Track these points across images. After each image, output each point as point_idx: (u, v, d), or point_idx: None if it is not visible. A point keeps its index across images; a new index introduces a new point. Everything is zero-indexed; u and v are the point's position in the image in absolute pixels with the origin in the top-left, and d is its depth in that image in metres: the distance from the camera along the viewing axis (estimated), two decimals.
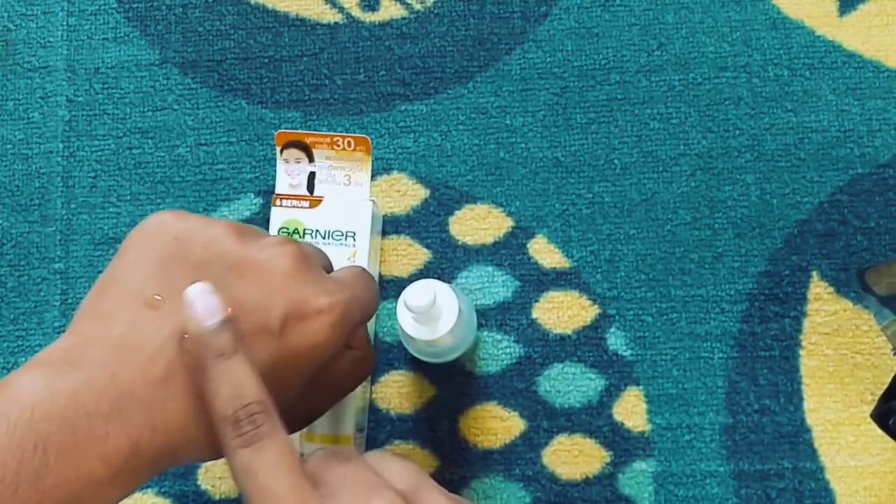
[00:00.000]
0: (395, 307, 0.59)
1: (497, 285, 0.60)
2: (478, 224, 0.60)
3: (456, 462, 0.58)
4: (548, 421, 0.58)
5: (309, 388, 0.42)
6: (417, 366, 0.59)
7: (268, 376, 0.38)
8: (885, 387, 0.53)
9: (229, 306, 0.38)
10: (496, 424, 0.58)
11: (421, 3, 0.63)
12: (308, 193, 0.58)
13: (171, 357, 0.37)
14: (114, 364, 0.36)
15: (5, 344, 0.61)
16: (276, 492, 0.34)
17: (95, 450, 0.35)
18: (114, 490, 0.36)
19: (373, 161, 0.61)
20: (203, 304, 0.36)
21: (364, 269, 0.45)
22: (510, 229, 0.60)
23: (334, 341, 0.40)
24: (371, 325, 0.59)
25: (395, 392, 0.59)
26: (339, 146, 0.58)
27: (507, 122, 0.62)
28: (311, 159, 0.58)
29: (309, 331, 0.39)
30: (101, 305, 0.38)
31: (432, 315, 0.49)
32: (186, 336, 0.36)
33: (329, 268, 0.44)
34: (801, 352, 0.58)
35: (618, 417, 0.58)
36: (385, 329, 0.60)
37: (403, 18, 0.63)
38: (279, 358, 0.39)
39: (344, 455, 0.38)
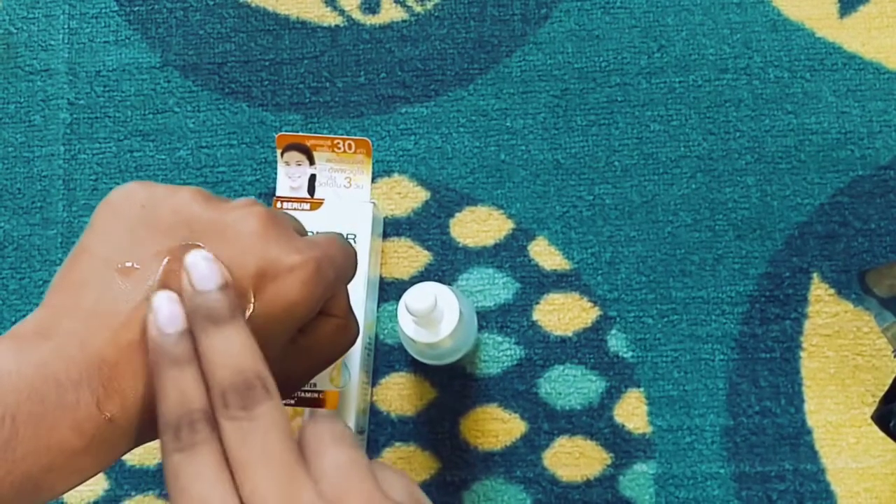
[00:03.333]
0: (396, 309, 0.59)
1: (498, 287, 0.60)
2: (478, 226, 0.61)
3: (457, 464, 0.58)
4: (548, 423, 0.58)
5: (288, 354, 0.41)
6: (418, 368, 0.59)
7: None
8: (886, 388, 0.53)
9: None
10: (497, 426, 0.58)
11: (421, 5, 0.63)
12: (309, 196, 0.58)
13: (143, 323, 0.36)
14: (85, 332, 0.36)
15: None
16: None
17: (66, 418, 0.34)
18: (89, 459, 0.35)
19: (373, 163, 0.61)
20: (204, 268, 0.36)
21: (340, 234, 0.44)
22: (511, 231, 0.60)
23: (309, 299, 0.40)
24: (372, 326, 0.59)
25: (396, 394, 0.59)
26: (339, 149, 0.58)
27: (508, 124, 0.62)
28: (311, 162, 0.58)
29: (282, 289, 0.39)
30: (72, 276, 0.38)
31: (433, 318, 0.49)
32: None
33: (302, 231, 0.44)
34: (802, 353, 0.58)
35: (618, 419, 0.58)
36: (386, 331, 0.60)
37: (404, 21, 0.63)
38: (254, 319, 0.38)
39: (340, 434, 0.36)
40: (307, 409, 0.56)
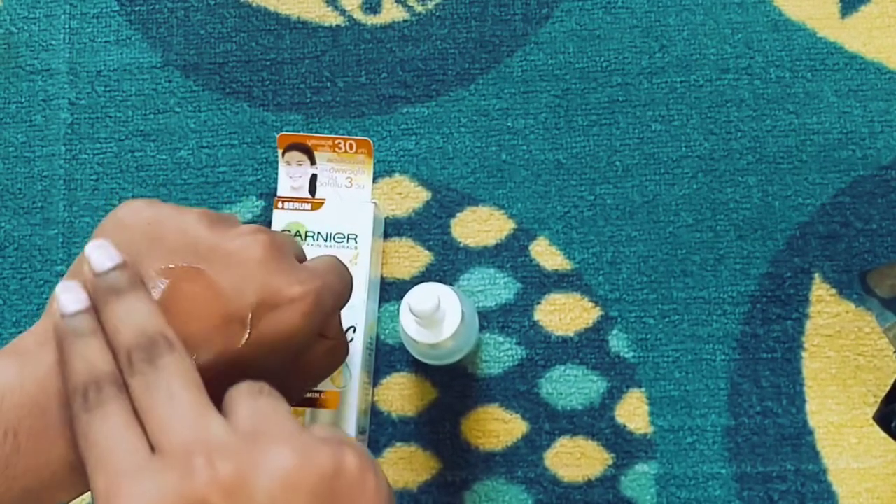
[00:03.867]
0: (397, 309, 0.59)
1: (499, 287, 0.60)
2: (479, 226, 0.60)
3: (458, 464, 0.58)
4: (550, 423, 0.58)
5: (282, 377, 0.41)
6: (419, 368, 0.59)
7: (240, 364, 0.38)
8: (888, 389, 0.53)
9: (202, 294, 0.37)
10: (498, 426, 0.58)
11: (422, 5, 0.63)
12: (310, 196, 0.58)
13: None
14: None
15: None
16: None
17: (67, 433, 0.34)
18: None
19: (374, 163, 0.61)
20: (100, 254, 0.36)
21: (337, 259, 0.44)
22: (512, 231, 0.60)
23: (307, 330, 0.40)
24: (373, 327, 0.59)
25: (397, 394, 0.59)
26: (340, 149, 0.58)
27: (509, 124, 0.62)
28: (312, 162, 0.58)
29: (281, 319, 0.39)
30: None
31: (436, 319, 0.49)
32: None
33: (302, 257, 0.44)
34: (804, 354, 0.58)
35: (620, 419, 0.58)
36: (387, 331, 0.60)
37: (405, 21, 0.63)
38: (253, 348, 0.38)
39: (258, 387, 0.36)
40: (308, 410, 0.56)
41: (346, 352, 0.47)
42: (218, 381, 0.37)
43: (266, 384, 0.36)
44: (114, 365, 0.35)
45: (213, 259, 0.39)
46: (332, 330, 0.44)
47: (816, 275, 0.59)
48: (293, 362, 0.42)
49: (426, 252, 0.60)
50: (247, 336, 0.38)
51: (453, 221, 0.61)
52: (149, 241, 0.39)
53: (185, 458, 0.31)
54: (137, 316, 0.35)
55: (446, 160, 0.61)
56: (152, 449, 0.32)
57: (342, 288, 0.44)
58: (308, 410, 0.55)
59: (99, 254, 0.36)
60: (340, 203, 0.58)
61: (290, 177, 0.59)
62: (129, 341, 0.34)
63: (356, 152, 0.58)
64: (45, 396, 0.35)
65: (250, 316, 0.38)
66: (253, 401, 0.35)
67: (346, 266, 0.45)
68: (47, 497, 0.35)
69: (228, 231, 0.40)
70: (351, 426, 0.55)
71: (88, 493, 0.58)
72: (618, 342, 0.59)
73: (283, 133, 0.59)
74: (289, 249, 0.42)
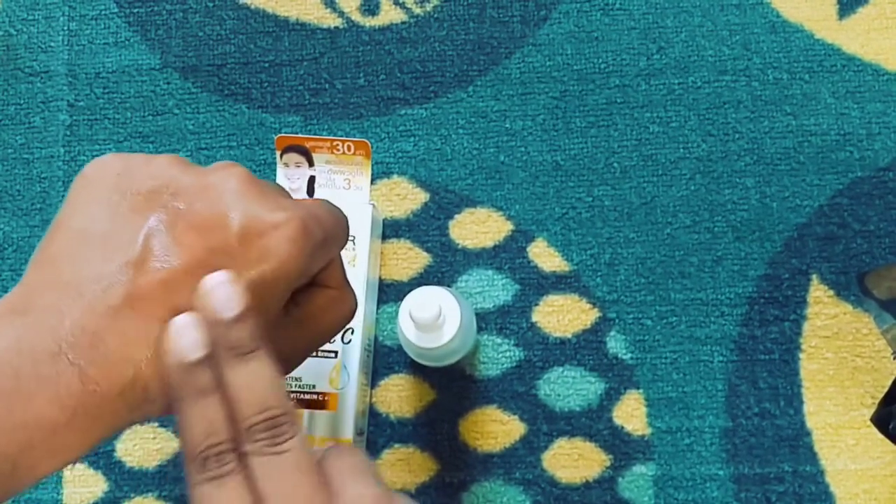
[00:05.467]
0: (395, 311, 0.59)
1: (497, 289, 0.60)
2: (478, 228, 0.61)
3: (456, 466, 0.58)
4: (548, 424, 0.58)
5: (283, 326, 0.40)
6: (417, 369, 0.59)
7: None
8: (886, 390, 0.53)
9: (185, 231, 0.36)
10: (496, 428, 0.58)
11: (421, 7, 0.63)
12: (308, 197, 0.58)
13: (122, 290, 0.35)
14: (63, 303, 0.35)
15: None
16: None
17: (44, 391, 0.33)
18: (73, 435, 0.34)
19: (373, 165, 0.61)
20: (226, 294, 0.34)
21: (327, 200, 0.43)
22: (510, 233, 0.60)
23: (298, 258, 0.38)
24: (371, 328, 0.59)
25: (395, 396, 0.59)
26: (338, 150, 0.58)
27: (507, 125, 0.62)
28: (311, 163, 0.58)
29: (269, 247, 0.37)
30: (48, 251, 0.37)
31: (436, 325, 0.49)
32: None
33: (287, 195, 0.43)
34: (801, 355, 0.58)
35: (618, 421, 0.58)
36: (385, 333, 0.60)
37: (403, 23, 0.63)
38: (249, 291, 0.37)
39: (363, 467, 0.36)
40: (306, 412, 0.56)
41: (353, 304, 0.44)
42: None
43: (363, 457, 0.36)
44: (232, 431, 0.34)
45: (191, 196, 0.37)
46: (333, 278, 0.43)
47: (814, 276, 0.59)
48: (294, 312, 0.41)
49: (424, 254, 0.61)
50: (239, 269, 0.37)
51: (451, 223, 0.61)
52: (120, 192, 0.37)
53: None
54: (262, 386, 0.35)
55: (444, 162, 0.61)
56: None
57: (331, 221, 0.41)
58: (306, 412, 0.56)
59: (223, 295, 0.35)
60: (339, 205, 0.58)
61: (289, 178, 0.59)
62: (251, 414, 0.34)
63: (354, 154, 0.58)
64: (17, 355, 0.33)
65: (237, 247, 0.37)
66: (361, 487, 0.35)
67: (339, 208, 0.43)
68: (27, 462, 0.34)
69: (201, 169, 0.39)
70: (349, 428, 0.55)
71: (90, 496, 0.58)
72: (616, 343, 0.59)
73: (282, 135, 0.59)
74: (268, 184, 0.41)
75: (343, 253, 0.57)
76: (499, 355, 0.59)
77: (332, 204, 0.43)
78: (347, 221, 0.43)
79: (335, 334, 0.44)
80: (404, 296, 0.50)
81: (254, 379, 0.35)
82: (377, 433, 0.59)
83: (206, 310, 0.35)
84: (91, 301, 0.35)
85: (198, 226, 0.37)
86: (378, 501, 0.35)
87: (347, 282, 0.44)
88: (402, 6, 0.64)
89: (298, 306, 0.41)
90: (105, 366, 0.34)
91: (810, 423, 0.57)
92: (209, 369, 0.34)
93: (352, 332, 0.56)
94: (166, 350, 0.34)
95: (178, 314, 0.35)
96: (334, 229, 0.42)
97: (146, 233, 0.36)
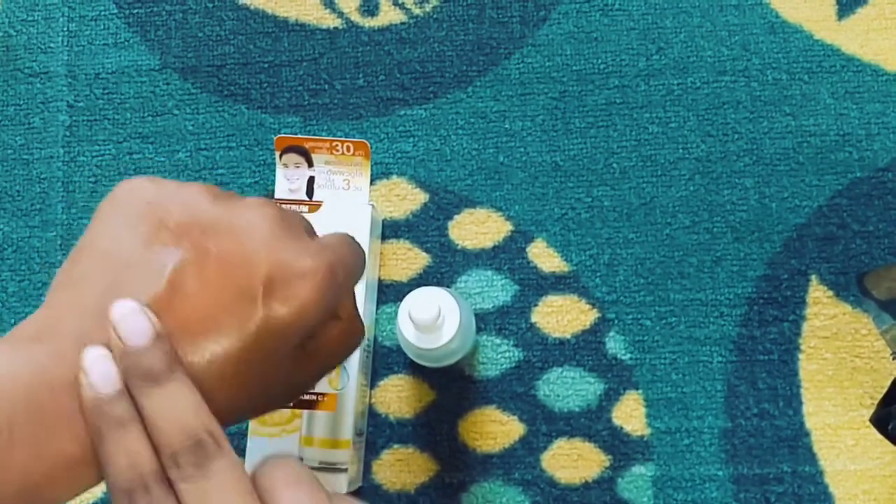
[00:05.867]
0: (395, 311, 0.59)
1: (496, 289, 0.60)
2: (477, 228, 0.61)
3: (455, 466, 0.58)
4: (547, 425, 0.58)
5: (296, 359, 0.40)
6: (416, 370, 0.59)
7: (252, 345, 0.36)
8: (885, 391, 0.53)
9: (211, 271, 0.36)
10: (495, 428, 0.58)
11: (420, 7, 0.63)
12: (307, 198, 0.58)
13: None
14: (83, 332, 0.34)
15: None
16: None
17: (64, 426, 0.33)
18: (89, 468, 0.34)
19: (372, 166, 0.61)
20: (133, 325, 0.34)
21: (350, 235, 0.43)
22: (509, 233, 0.60)
23: (320, 306, 0.38)
24: (370, 329, 0.59)
25: (395, 396, 0.59)
26: (338, 151, 0.58)
27: (507, 126, 0.62)
28: (310, 164, 0.58)
29: (293, 294, 0.37)
30: (72, 273, 0.37)
31: (436, 326, 0.49)
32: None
33: (312, 232, 0.42)
34: (801, 356, 0.58)
35: (617, 421, 0.58)
36: (385, 333, 0.60)
37: (403, 23, 0.63)
38: (263, 324, 0.37)
39: (295, 475, 0.35)
40: (305, 412, 0.56)
41: (361, 333, 0.44)
42: (232, 374, 0.36)
43: (302, 466, 0.35)
44: (157, 461, 0.33)
45: (220, 235, 0.37)
46: (345, 310, 0.43)
47: (813, 277, 0.59)
48: (306, 344, 0.40)
49: (424, 254, 0.61)
50: (260, 316, 0.36)
51: (451, 223, 0.61)
52: (150, 221, 0.37)
53: None
54: (180, 410, 0.33)
55: (444, 162, 0.62)
56: None
57: (355, 262, 0.41)
58: (305, 413, 0.56)
59: (131, 325, 0.34)
60: (338, 205, 0.58)
61: (288, 179, 0.59)
62: (173, 442, 0.33)
63: (354, 154, 0.58)
64: (40, 389, 0.33)
65: (261, 291, 0.36)
66: (296, 494, 0.34)
67: (358, 242, 0.43)
68: (47, 493, 0.34)
69: (234, 204, 0.38)
70: (348, 428, 0.55)
71: (90, 496, 0.58)
72: (615, 344, 0.59)
73: (281, 135, 0.59)
74: (297, 223, 0.40)
75: None
76: (498, 356, 0.59)
77: (353, 240, 0.43)
78: (365, 256, 0.43)
79: (343, 361, 0.45)
80: (404, 296, 0.50)
81: (171, 404, 0.33)
82: (376, 434, 0.59)
83: (115, 339, 0.34)
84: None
85: (225, 268, 0.37)
86: None
87: (357, 311, 0.44)
88: (402, 7, 0.64)
89: (311, 339, 0.41)
90: None
91: (809, 423, 0.57)
92: (125, 401, 0.34)
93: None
94: (80, 385, 0.34)
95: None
96: (356, 270, 0.42)
97: (173, 268, 0.36)
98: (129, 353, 0.34)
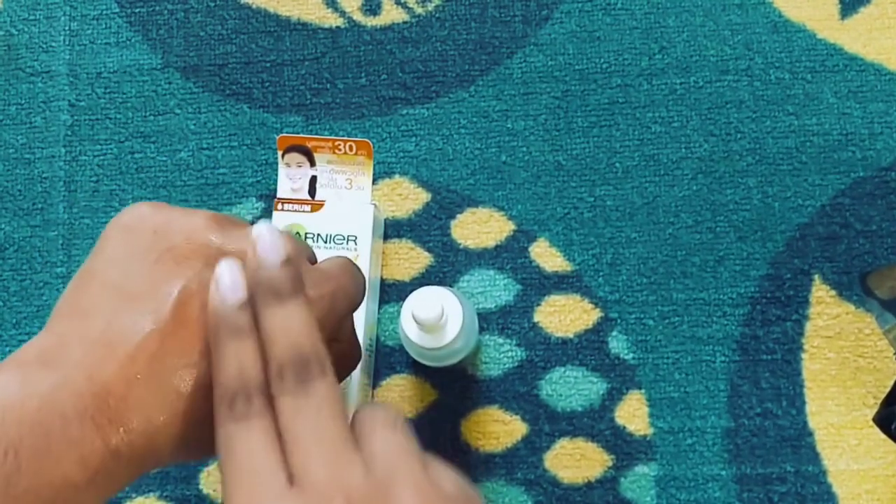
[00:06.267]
0: (397, 311, 0.59)
1: (499, 289, 0.60)
2: (479, 228, 0.61)
3: (457, 466, 0.58)
4: (549, 425, 0.58)
5: None
6: (419, 369, 0.59)
7: None
8: (888, 390, 0.53)
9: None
10: (498, 428, 0.58)
11: (422, 7, 0.63)
12: (309, 197, 0.58)
13: (152, 353, 0.36)
14: (91, 363, 0.35)
15: (8, 348, 0.61)
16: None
17: (71, 453, 0.34)
18: (92, 493, 0.35)
19: (374, 165, 0.61)
20: (271, 243, 0.35)
21: (349, 260, 0.44)
22: (512, 233, 0.60)
23: (322, 332, 0.39)
24: (372, 328, 0.59)
25: (397, 395, 0.59)
26: (340, 150, 0.58)
27: (509, 125, 0.62)
28: (312, 163, 0.58)
29: None
30: (78, 302, 0.37)
31: (439, 326, 0.49)
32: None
33: (313, 258, 0.43)
34: (804, 355, 0.58)
35: (620, 421, 0.58)
36: (387, 333, 0.60)
37: (405, 23, 0.63)
38: None
39: (393, 419, 0.36)
40: None
41: (358, 356, 0.46)
42: None
43: (394, 412, 0.36)
44: (264, 374, 0.35)
45: None
46: (344, 334, 0.44)
47: (816, 276, 0.59)
48: None
49: (426, 254, 0.60)
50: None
51: (453, 223, 0.61)
52: (156, 251, 0.38)
53: (324, 499, 0.32)
54: (296, 328, 0.35)
55: (446, 162, 0.61)
56: (291, 477, 0.33)
57: (355, 290, 0.43)
58: None
59: (270, 242, 0.36)
60: (340, 204, 0.58)
61: (290, 178, 0.59)
62: (283, 355, 0.34)
63: (356, 154, 0.58)
64: (48, 415, 0.34)
65: None
66: (389, 435, 0.35)
67: (358, 267, 0.44)
68: None
69: (238, 234, 0.39)
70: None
71: None
72: (618, 344, 0.59)
73: (283, 135, 0.59)
74: (301, 252, 0.41)
75: (345, 253, 0.57)
76: (500, 355, 0.59)
77: (353, 266, 0.44)
78: (365, 281, 0.44)
79: (341, 381, 0.45)
80: (406, 296, 0.50)
81: (288, 321, 0.35)
82: None
83: (252, 255, 0.36)
84: (119, 365, 0.35)
85: None
86: (403, 451, 0.35)
87: (355, 334, 0.45)
88: (404, 6, 0.64)
89: None
90: (126, 430, 0.35)
91: (812, 423, 0.57)
92: (247, 313, 0.35)
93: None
94: (210, 291, 0.35)
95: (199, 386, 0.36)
96: (356, 297, 0.43)
97: (177, 299, 0.37)
98: (261, 269, 0.35)
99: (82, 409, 0.34)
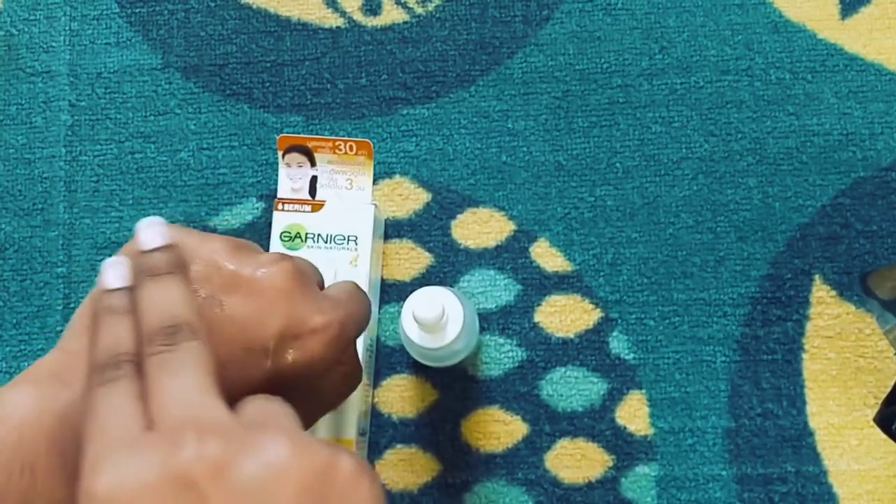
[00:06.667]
0: (397, 311, 0.59)
1: (499, 289, 0.60)
2: (480, 228, 0.60)
3: (458, 466, 0.58)
4: (550, 425, 0.58)
5: (297, 405, 0.41)
6: (419, 370, 0.59)
7: (259, 392, 0.38)
8: (888, 391, 0.53)
9: (224, 324, 0.38)
10: (498, 428, 0.58)
11: (423, 7, 0.63)
12: (310, 198, 0.58)
13: None
14: None
15: (8, 348, 0.61)
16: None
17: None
18: None
19: (375, 165, 0.61)
20: (150, 231, 0.37)
21: (357, 285, 0.45)
22: (512, 233, 0.60)
23: (328, 359, 0.40)
24: (372, 328, 0.59)
25: (398, 396, 0.59)
26: (340, 150, 0.58)
27: (509, 125, 0.62)
28: (312, 163, 0.58)
29: (303, 349, 0.39)
30: (89, 321, 0.38)
31: (439, 326, 0.49)
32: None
33: (322, 283, 0.44)
34: (804, 355, 0.58)
35: (620, 421, 0.58)
36: (387, 333, 0.60)
37: (405, 23, 0.63)
38: (272, 375, 0.39)
39: (269, 396, 0.36)
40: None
41: (359, 377, 0.46)
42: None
43: (279, 398, 0.36)
44: (137, 346, 0.35)
45: (237, 289, 0.39)
46: (349, 356, 0.44)
47: (817, 276, 0.59)
48: (309, 390, 0.42)
49: (426, 254, 0.60)
50: (268, 365, 0.38)
51: (454, 223, 0.61)
52: None
53: (176, 434, 0.30)
54: (169, 300, 0.35)
55: (446, 162, 0.61)
56: (149, 425, 0.32)
57: (363, 316, 0.44)
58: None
59: (149, 231, 0.37)
60: (341, 205, 0.58)
61: (291, 178, 0.59)
62: (154, 324, 0.34)
63: (356, 154, 0.58)
64: (64, 432, 0.34)
65: (272, 346, 0.39)
66: (263, 401, 0.34)
67: (364, 292, 0.45)
68: None
69: (252, 259, 0.40)
70: (351, 428, 0.55)
71: None
72: (618, 344, 0.59)
73: (284, 135, 0.59)
74: (311, 278, 0.42)
75: (345, 253, 0.57)
76: (501, 355, 0.59)
77: (360, 291, 0.44)
78: (371, 306, 0.45)
79: (343, 401, 0.46)
80: (406, 296, 0.50)
81: (162, 294, 0.35)
82: (379, 433, 0.59)
83: (134, 248, 0.37)
84: None
85: (239, 325, 0.38)
86: (276, 412, 0.34)
87: (357, 356, 0.46)
88: (404, 6, 0.64)
89: (315, 385, 0.42)
90: None
91: (813, 423, 0.57)
92: (125, 295, 0.36)
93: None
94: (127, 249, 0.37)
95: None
96: (363, 323, 0.44)
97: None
98: (140, 255, 0.36)
99: None
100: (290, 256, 0.42)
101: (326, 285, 0.44)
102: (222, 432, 0.31)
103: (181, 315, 0.35)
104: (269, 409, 0.34)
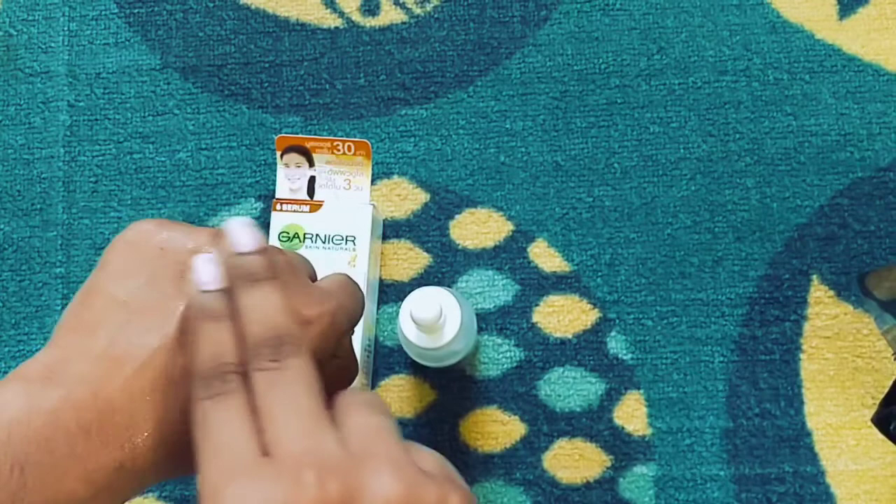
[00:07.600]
0: (396, 311, 0.59)
1: (497, 289, 0.60)
2: (478, 228, 0.61)
3: (456, 466, 0.58)
4: (548, 425, 0.58)
5: None
6: (418, 370, 0.59)
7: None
8: (886, 391, 0.53)
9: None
10: (497, 428, 0.58)
11: (421, 7, 0.63)
12: (308, 198, 0.58)
13: (158, 369, 0.36)
14: (96, 378, 0.35)
15: (6, 348, 0.61)
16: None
17: (76, 469, 0.34)
18: None
19: (373, 165, 0.61)
20: (244, 233, 0.36)
21: (349, 277, 0.44)
22: (510, 233, 0.60)
23: (323, 350, 0.39)
24: (371, 329, 0.59)
25: (396, 396, 0.59)
26: (339, 151, 0.58)
27: (508, 126, 0.62)
28: (311, 164, 0.58)
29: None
30: (84, 317, 0.37)
31: (437, 326, 0.49)
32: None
33: (314, 275, 0.44)
34: (802, 355, 0.58)
35: (618, 421, 0.58)
36: (385, 333, 0.60)
37: (403, 23, 0.63)
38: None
39: (371, 401, 0.36)
40: None
41: (355, 371, 0.46)
42: None
43: (377, 397, 0.36)
44: (240, 355, 0.35)
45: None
46: (343, 349, 0.44)
47: (814, 277, 0.59)
48: None
49: (425, 254, 0.61)
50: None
51: (452, 223, 0.61)
52: (162, 268, 0.38)
53: (297, 470, 0.31)
54: (270, 308, 0.35)
55: (445, 162, 0.61)
56: (265, 449, 0.33)
57: (355, 307, 0.43)
58: None
59: (243, 232, 0.36)
60: (339, 205, 0.58)
61: (289, 179, 0.59)
62: (259, 333, 0.35)
63: (355, 154, 0.58)
64: (54, 431, 0.34)
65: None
66: (367, 414, 0.35)
67: (356, 284, 0.44)
68: None
69: None
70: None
71: None
72: (616, 344, 0.59)
73: (282, 135, 0.59)
74: (302, 269, 0.41)
75: (343, 253, 0.57)
76: (499, 356, 0.59)
77: (352, 283, 0.44)
78: (363, 298, 0.45)
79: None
80: (405, 296, 0.50)
81: (263, 302, 0.35)
82: None
83: (227, 246, 0.36)
84: (124, 381, 0.36)
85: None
86: (381, 429, 0.34)
87: (353, 350, 0.46)
88: (403, 6, 0.64)
89: None
90: (131, 445, 0.35)
91: (811, 423, 0.57)
92: (223, 299, 0.36)
93: (351, 333, 0.56)
94: (190, 283, 0.36)
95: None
96: (356, 314, 0.43)
97: (183, 315, 0.37)
98: (235, 256, 0.36)
99: (87, 425, 0.34)
100: (279, 248, 0.42)
101: None
102: (338, 470, 0.32)
103: (284, 326, 0.35)
104: (372, 425, 0.34)
